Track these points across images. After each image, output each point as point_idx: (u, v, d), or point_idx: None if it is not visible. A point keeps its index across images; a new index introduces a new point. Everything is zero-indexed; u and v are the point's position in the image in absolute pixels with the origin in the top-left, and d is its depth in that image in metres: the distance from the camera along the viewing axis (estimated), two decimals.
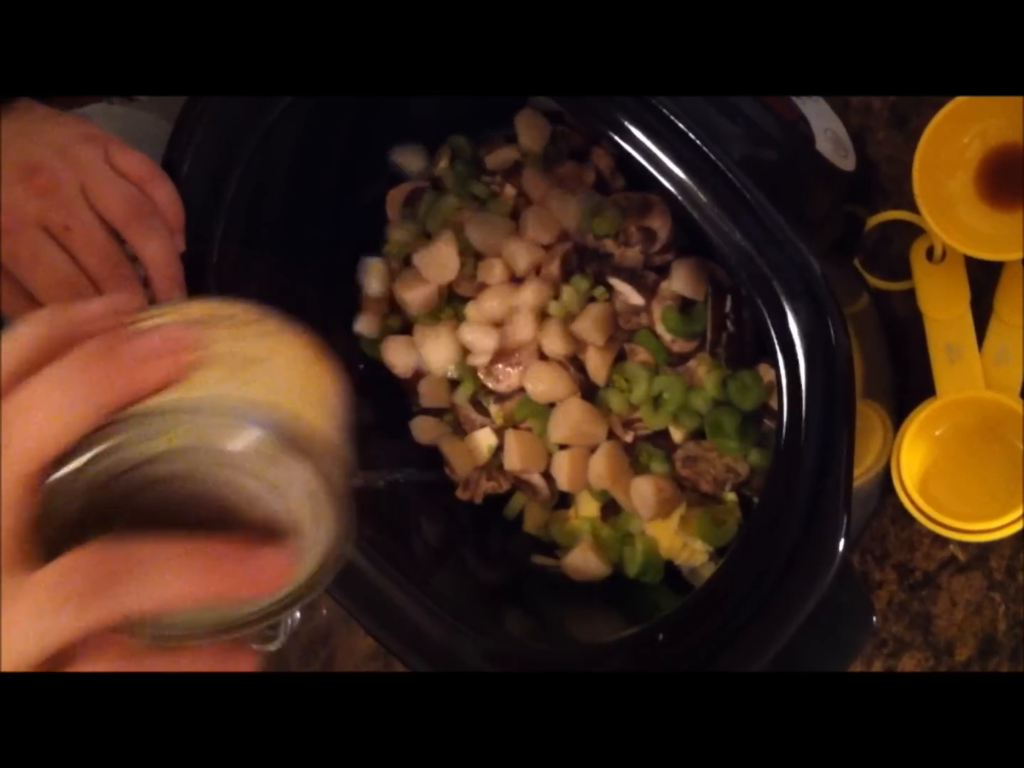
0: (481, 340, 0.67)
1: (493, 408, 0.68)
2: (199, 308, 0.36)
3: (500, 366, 0.67)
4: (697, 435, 0.63)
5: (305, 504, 0.34)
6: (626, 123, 0.48)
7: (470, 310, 0.67)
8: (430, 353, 0.69)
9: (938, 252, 0.59)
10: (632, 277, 0.62)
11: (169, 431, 0.32)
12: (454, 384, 0.70)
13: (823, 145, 0.57)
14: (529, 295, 0.64)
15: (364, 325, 0.73)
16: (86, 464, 0.31)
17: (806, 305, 0.47)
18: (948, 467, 0.59)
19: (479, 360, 0.67)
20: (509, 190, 0.67)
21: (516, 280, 0.67)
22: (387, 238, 0.72)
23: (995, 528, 0.56)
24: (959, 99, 0.54)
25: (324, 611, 0.79)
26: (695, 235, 0.50)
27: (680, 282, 0.60)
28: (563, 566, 0.66)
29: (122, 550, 0.31)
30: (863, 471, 0.56)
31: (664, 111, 0.48)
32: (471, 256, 0.68)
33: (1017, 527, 0.56)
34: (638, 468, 0.65)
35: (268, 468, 0.33)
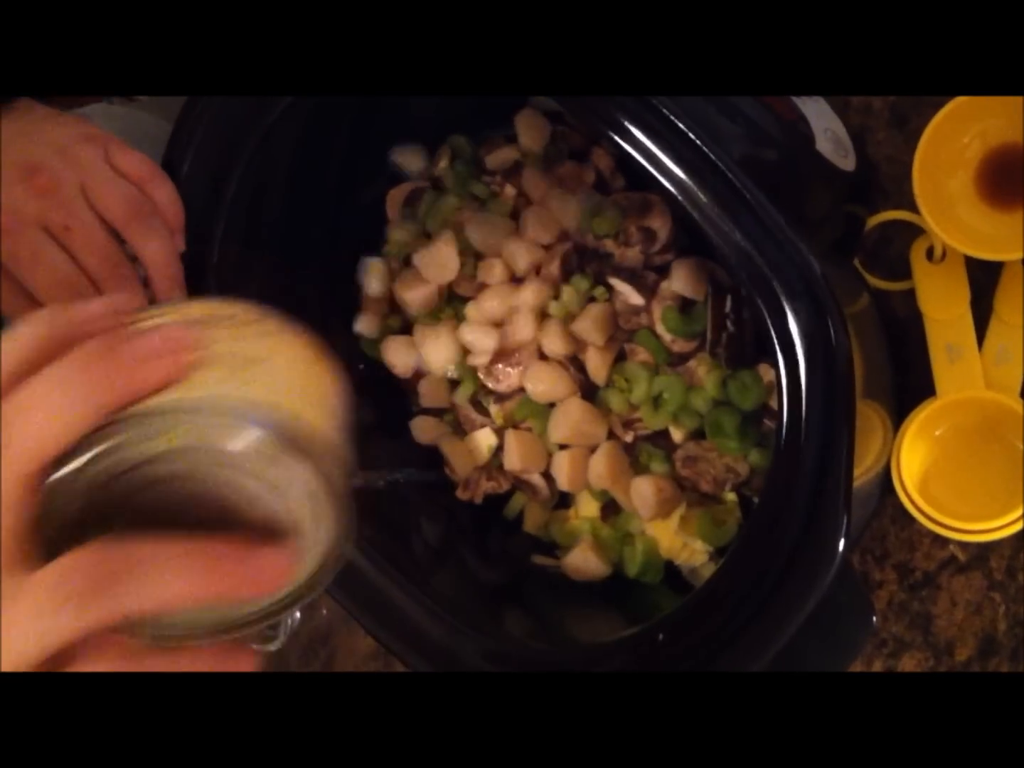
0: (481, 340, 0.67)
1: (493, 408, 0.68)
2: (199, 308, 0.36)
3: (500, 366, 0.67)
4: (697, 435, 0.63)
5: (305, 504, 0.34)
6: (626, 123, 0.48)
7: (470, 310, 0.67)
8: (430, 353, 0.69)
9: (938, 252, 0.59)
10: (632, 277, 0.62)
11: (169, 431, 0.32)
12: (454, 384, 0.70)
13: (823, 145, 0.57)
14: (529, 295, 0.64)
15: (364, 325, 0.73)
16: (86, 464, 0.31)
17: (806, 305, 0.47)
18: (948, 467, 0.59)
19: (479, 360, 0.67)
20: (509, 190, 0.67)
21: (516, 280, 0.67)
22: (387, 238, 0.72)
23: (995, 528, 0.56)
24: (959, 99, 0.54)
25: (324, 611, 0.79)
26: (695, 235, 0.50)
27: (680, 282, 0.60)
28: (563, 566, 0.66)
29: (122, 550, 0.31)
30: (863, 471, 0.56)
31: (664, 111, 0.48)
32: (471, 256, 0.68)
33: (1017, 527, 0.56)
34: (638, 468, 0.65)
35: (268, 468, 0.33)
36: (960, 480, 0.58)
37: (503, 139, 0.69)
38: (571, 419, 0.65)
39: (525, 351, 0.66)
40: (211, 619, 0.36)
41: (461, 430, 0.71)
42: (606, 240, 0.63)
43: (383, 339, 0.72)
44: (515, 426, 0.68)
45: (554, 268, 0.64)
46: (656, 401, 0.62)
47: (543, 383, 0.65)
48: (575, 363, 0.65)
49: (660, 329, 0.61)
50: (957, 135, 0.56)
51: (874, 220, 0.61)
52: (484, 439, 0.69)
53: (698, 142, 0.48)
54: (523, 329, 0.65)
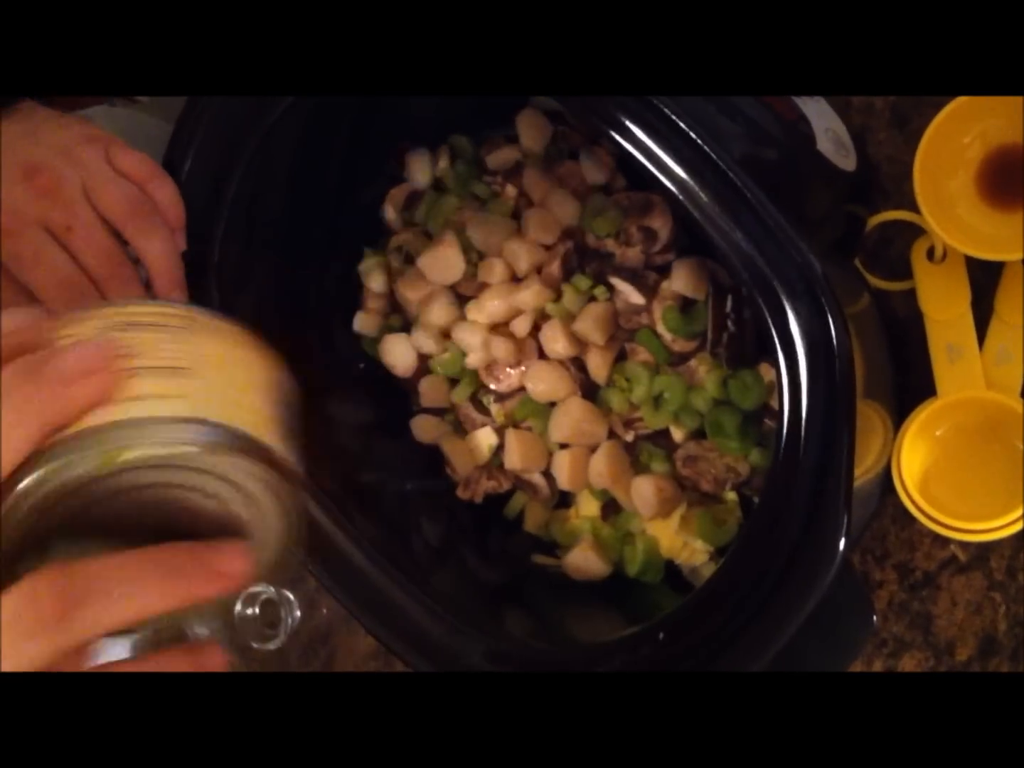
0: (481, 339, 0.67)
1: (494, 407, 0.68)
2: (121, 311, 0.35)
3: (501, 365, 0.67)
4: (698, 435, 0.63)
5: (249, 506, 0.35)
6: (627, 122, 0.48)
7: (471, 310, 0.67)
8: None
9: (939, 252, 0.59)
10: (633, 277, 0.62)
11: (108, 451, 0.32)
12: (455, 383, 0.70)
13: (824, 145, 0.57)
14: (530, 295, 0.64)
15: (364, 324, 0.73)
16: (27, 489, 0.31)
17: (807, 305, 0.47)
18: (949, 467, 0.59)
19: (479, 360, 0.68)
20: (510, 190, 0.67)
21: (517, 280, 0.67)
22: (388, 238, 0.72)
23: (995, 528, 0.56)
24: (960, 99, 0.54)
25: (324, 610, 0.79)
26: (696, 235, 0.50)
27: (681, 282, 0.60)
28: (563, 565, 0.66)
29: (80, 571, 0.31)
30: (864, 471, 0.56)
31: (665, 110, 0.48)
32: (472, 256, 0.68)
33: (1017, 527, 0.56)
34: (639, 467, 0.65)
35: (207, 477, 0.33)
36: (961, 480, 0.58)
37: (504, 139, 0.69)
38: (572, 418, 0.65)
39: (526, 350, 0.66)
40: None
41: (462, 429, 0.71)
42: (607, 240, 0.63)
43: (383, 338, 0.72)
44: (516, 425, 0.68)
45: (555, 268, 0.64)
46: (657, 401, 0.62)
47: (544, 382, 0.65)
48: (576, 362, 0.65)
49: (661, 329, 0.61)
50: (958, 135, 0.56)
51: (875, 220, 0.61)
52: (485, 438, 0.69)
53: (699, 141, 0.48)
54: (524, 329, 0.66)
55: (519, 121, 0.68)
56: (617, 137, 0.49)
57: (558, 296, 0.64)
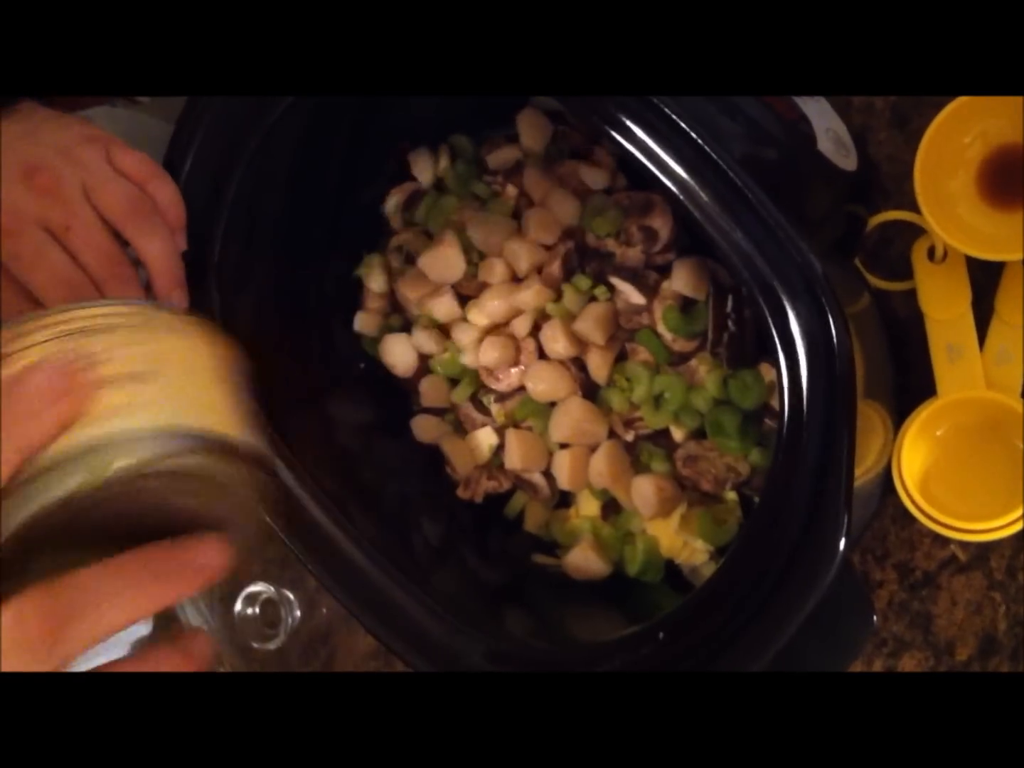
0: (473, 339, 0.67)
1: (494, 407, 0.68)
2: (76, 316, 0.34)
3: (500, 365, 0.67)
4: (698, 434, 0.63)
5: (225, 495, 0.35)
6: (627, 122, 0.48)
7: (471, 310, 0.67)
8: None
9: (939, 252, 0.59)
10: (633, 276, 0.62)
11: (89, 470, 0.32)
12: (455, 383, 0.70)
13: (824, 145, 0.57)
14: (530, 295, 0.64)
15: (364, 323, 0.73)
16: (8, 516, 0.31)
17: (807, 305, 0.47)
18: (949, 467, 0.59)
19: (472, 360, 0.68)
20: (511, 190, 0.67)
21: (517, 280, 0.67)
22: (388, 238, 0.72)
23: (996, 528, 0.56)
24: (960, 99, 0.54)
25: (324, 610, 0.80)
26: (696, 234, 0.50)
27: (681, 281, 0.60)
28: (564, 565, 0.66)
29: (64, 589, 0.31)
30: (864, 471, 0.56)
31: (665, 110, 0.48)
32: (473, 255, 0.68)
33: (1017, 527, 0.56)
34: (639, 467, 0.65)
35: (184, 476, 0.34)
36: (961, 480, 0.58)
37: (504, 139, 0.69)
38: (572, 418, 0.65)
39: (526, 350, 0.66)
40: None
41: (462, 429, 0.71)
42: (607, 239, 0.63)
43: (383, 338, 0.72)
44: (516, 425, 0.68)
45: (555, 268, 0.64)
46: (657, 400, 0.63)
47: (544, 382, 0.65)
48: (576, 362, 0.65)
49: (661, 328, 0.61)
50: (958, 135, 0.56)
51: (875, 220, 0.61)
52: (485, 438, 0.69)
53: (699, 141, 0.48)
54: (524, 329, 0.66)
55: (519, 121, 0.68)
56: (617, 137, 0.49)
57: (558, 296, 0.64)
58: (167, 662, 0.35)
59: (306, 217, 0.68)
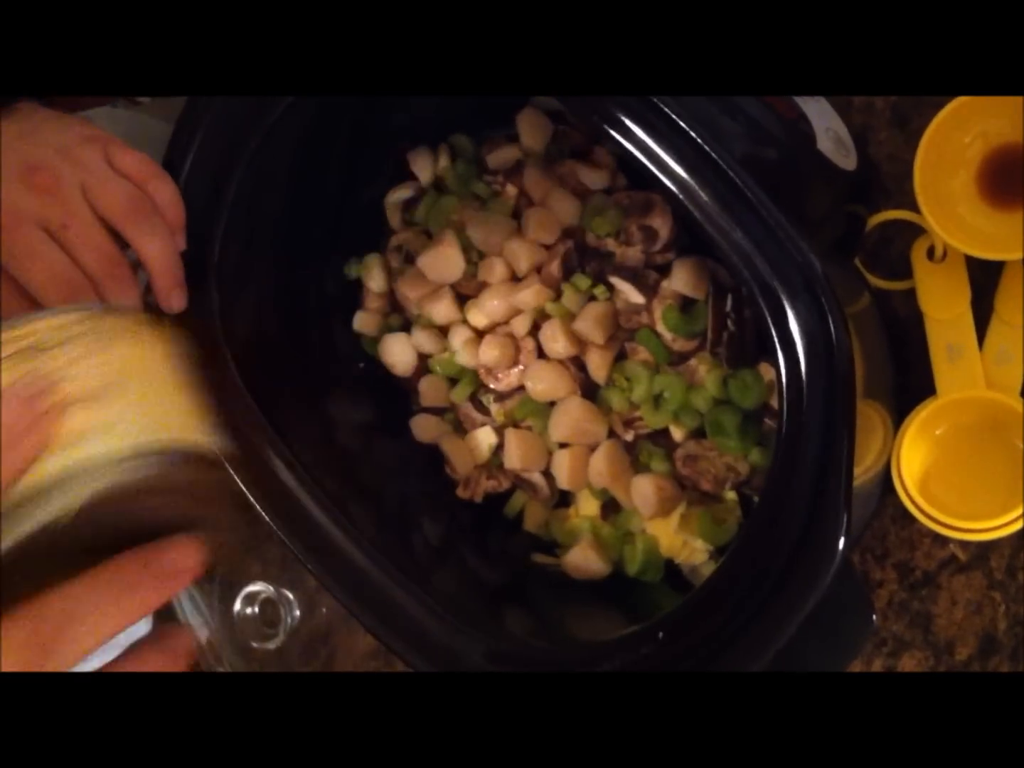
0: (464, 340, 0.67)
1: (494, 407, 0.68)
2: (25, 332, 0.33)
3: (498, 365, 0.67)
4: (698, 434, 0.63)
5: (195, 498, 0.35)
6: (627, 122, 0.48)
7: (470, 309, 0.67)
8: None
9: (939, 252, 0.59)
10: (633, 276, 0.62)
11: (58, 500, 0.31)
12: (454, 383, 0.70)
13: (824, 144, 0.57)
14: (530, 294, 0.64)
15: (364, 323, 0.73)
16: None
17: (807, 304, 0.47)
18: (948, 466, 0.59)
19: (465, 360, 0.68)
20: (511, 189, 0.67)
21: (517, 279, 0.67)
22: (388, 238, 0.72)
23: (995, 527, 0.56)
24: (960, 99, 0.54)
25: (324, 610, 0.80)
26: (696, 234, 0.50)
27: (681, 281, 0.60)
28: (563, 565, 0.66)
29: (45, 611, 0.31)
30: (863, 470, 0.56)
31: (665, 110, 0.48)
32: (473, 255, 0.68)
33: (1017, 526, 0.56)
34: (638, 467, 0.65)
35: (156, 491, 0.34)
36: (960, 479, 0.58)
37: (504, 138, 0.69)
38: (571, 418, 0.65)
39: (525, 350, 0.66)
40: None
41: (461, 429, 0.71)
42: (607, 239, 0.63)
43: (383, 338, 0.72)
44: (515, 425, 0.68)
45: (555, 267, 0.64)
46: (657, 400, 0.63)
47: (543, 382, 0.65)
48: (575, 362, 0.65)
49: (661, 328, 0.61)
50: (958, 135, 0.56)
51: (875, 219, 0.61)
52: (484, 438, 0.69)
53: (699, 141, 0.48)
54: (524, 328, 0.66)
55: (520, 120, 0.68)
56: (617, 136, 0.49)
57: (558, 295, 0.64)
58: (150, 661, 0.35)
59: (306, 217, 0.68)
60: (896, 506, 0.60)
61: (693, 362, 0.61)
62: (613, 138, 0.49)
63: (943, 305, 0.59)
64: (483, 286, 0.67)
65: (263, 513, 0.60)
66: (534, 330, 0.66)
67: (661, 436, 0.64)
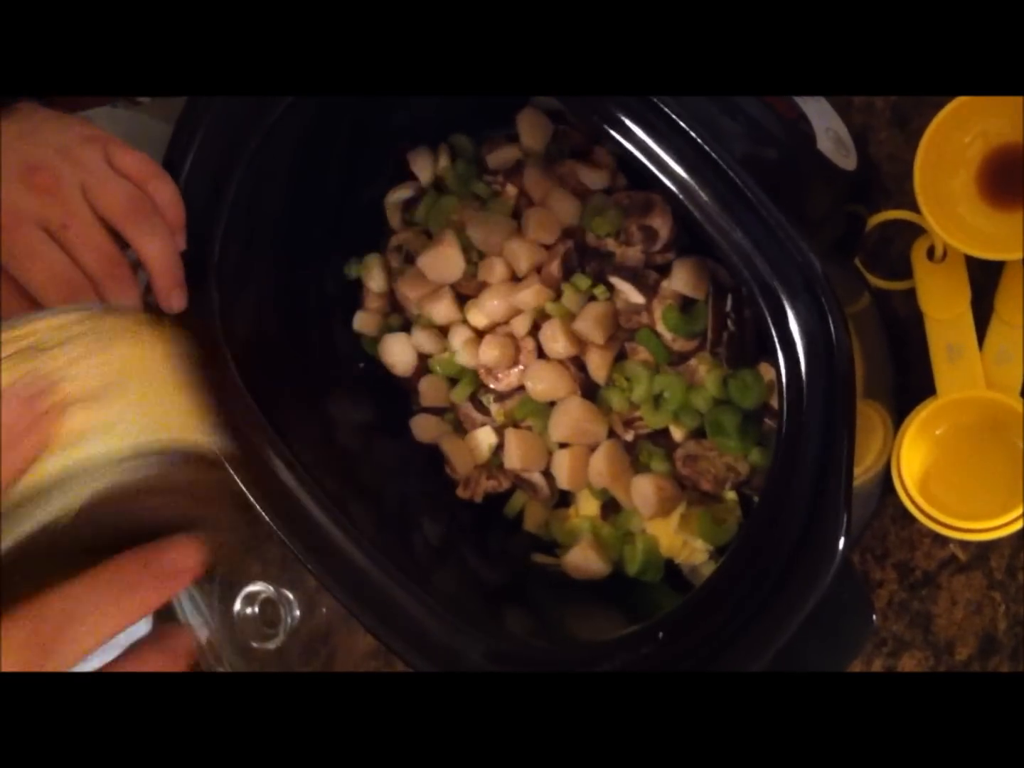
0: (464, 340, 0.67)
1: (494, 407, 0.68)
2: (25, 332, 0.33)
3: (500, 365, 0.67)
4: (698, 434, 0.63)
5: (194, 498, 0.35)
6: (628, 122, 0.48)
7: (470, 309, 0.67)
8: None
9: (939, 252, 0.59)
10: (633, 276, 0.62)
11: (58, 500, 0.31)
12: (454, 383, 0.70)
13: (824, 144, 0.57)
14: (530, 294, 0.64)
15: (364, 323, 0.73)
16: None
17: (807, 304, 0.47)
18: (948, 466, 0.59)
19: (465, 360, 0.68)
20: (511, 189, 0.67)
21: (517, 279, 0.67)
22: (388, 237, 0.72)
23: (995, 527, 0.56)
24: (960, 99, 0.54)
25: (324, 610, 0.80)
26: (696, 234, 0.50)
27: (681, 281, 0.60)
28: (563, 565, 0.66)
29: (45, 611, 0.31)
30: (863, 470, 0.56)
31: (665, 109, 0.48)
32: (473, 255, 0.68)
33: (1017, 526, 0.56)
34: (638, 467, 0.65)
35: (156, 491, 0.34)
36: (960, 479, 0.58)
37: (504, 138, 0.69)
38: (571, 418, 0.65)
39: (525, 350, 0.66)
40: None
41: (461, 429, 0.71)
42: (607, 239, 0.63)
43: (383, 338, 0.72)
44: (515, 425, 0.68)
45: (555, 267, 0.64)
46: (657, 400, 0.63)
47: (543, 382, 0.65)
48: (575, 362, 0.65)
49: (661, 328, 0.61)
50: (958, 135, 0.56)
51: (875, 219, 0.61)
52: (484, 438, 0.69)
53: (699, 141, 0.48)
54: (524, 328, 0.66)
55: (520, 120, 0.68)
56: (618, 136, 0.49)
57: (558, 295, 0.64)
58: (150, 662, 0.35)
59: (306, 217, 0.68)
60: (896, 506, 0.60)
61: (693, 362, 0.61)
62: (613, 138, 0.49)
63: (943, 305, 0.59)
64: (483, 286, 0.67)
65: (263, 513, 0.60)
66: (534, 330, 0.66)
67: (661, 436, 0.64)
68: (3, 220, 0.56)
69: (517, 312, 0.66)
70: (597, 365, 0.64)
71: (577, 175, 0.65)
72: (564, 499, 0.69)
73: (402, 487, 0.70)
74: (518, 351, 0.66)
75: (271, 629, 0.81)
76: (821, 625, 0.48)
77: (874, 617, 0.53)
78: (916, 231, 0.60)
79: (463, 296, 0.69)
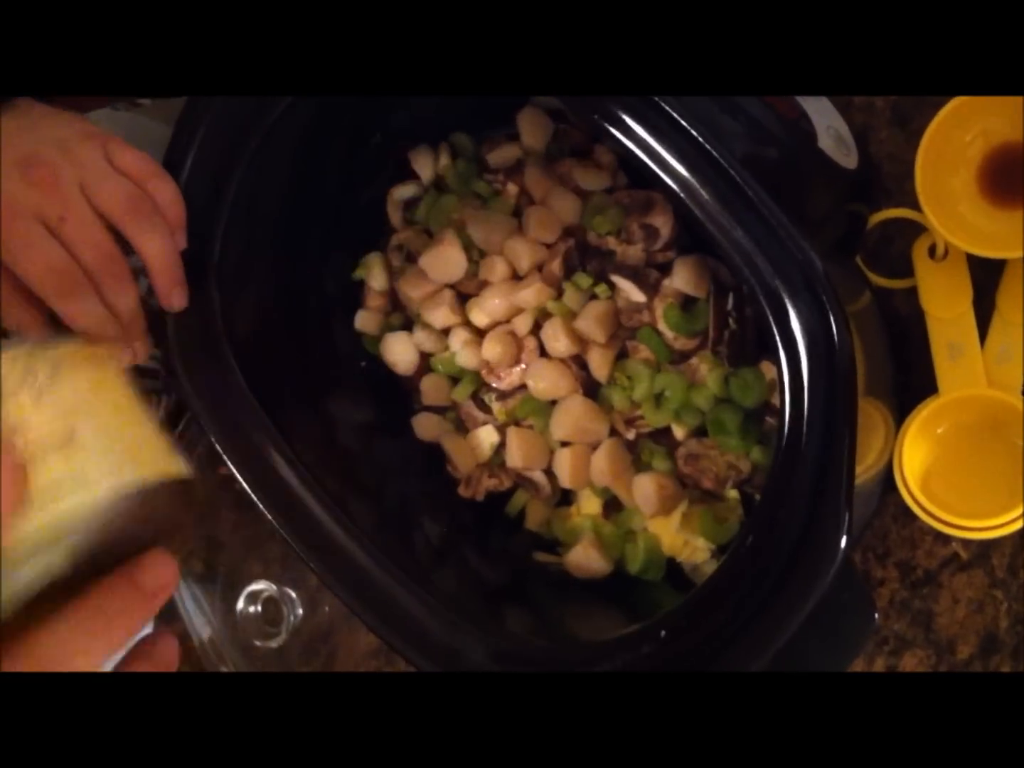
0: (463, 341, 0.67)
1: (495, 405, 0.68)
2: None
3: (502, 364, 0.67)
4: (699, 432, 0.63)
5: (162, 516, 0.35)
6: (628, 121, 0.48)
7: (472, 308, 0.67)
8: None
9: (940, 250, 0.59)
10: (634, 275, 0.62)
11: (43, 557, 0.32)
12: (456, 381, 0.70)
13: (825, 143, 0.57)
14: (531, 293, 0.64)
15: (365, 322, 0.73)
16: None
17: (808, 303, 0.47)
18: (950, 465, 0.59)
19: (466, 361, 0.68)
20: (511, 188, 0.67)
21: (518, 278, 0.67)
22: (388, 236, 0.72)
23: (997, 526, 0.56)
24: (960, 99, 0.54)
25: (326, 608, 0.80)
26: (697, 233, 0.50)
27: (682, 279, 0.60)
28: (565, 563, 0.66)
29: (34, 651, 0.32)
30: (865, 469, 0.56)
31: (666, 108, 0.48)
32: (474, 254, 0.68)
33: (1019, 525, 0.56)
34: (640, 465, 0.65)
35: (127, 518, 0.34)
36: (962, 478, 0.58)
37: (505, 137, 0.69)
38: (573, 416, 0.65)
39: (527, 348, 0.66)
40: None
41: (463, 427, 0.71)
42: (608, 238, 0.63)
43: (384, 337, 0.72)
44: (517, 423, 0.68)
45: (556, 266, 0.64)
46: (658, 399, 0.63)
47: (545, 380, 0.65)
48: (577, 360, 0.65)
49: (662, 326, 0.61)
50: (959, 134, 0.56)
51: (876, 218, 0.61)
52: (486, 436, 0.69)
53: (700, 140, 0.48)
54: (525, 327, 0.66)
55: (520, 119, 0.68)
56: (618, 135, 0.49)
57: (559, 294, 0.64)
58: (133, 667, 0.35)
59: (306, 217, 0.68)
60: (897, 504, 0.60)
61: (694, 361, 0.61)
62: (614, 137, 0.49)
63: (944, 304, 0.59)
64: (484, 285, 0.67)
65: (265, 512, 0.60)
66: (535, 329, 0.66)
67: (662, 435, 0.64)
68: (1, 213, 0.56)
69: (518, 311, 0.66)
70: (598, 364, 0.64)
71: (576, 178, 0.65)
72: (566, 498, 0.69)
73: (403, 486, 0.70)
74: (520, 350, 0.66)
75: (273, 628, 0.81)
76: (822, 624, 0.48)
77: (876, 616, 0.53)
78: (917, 230, 0.60)
79: (464, 295, 0.69)
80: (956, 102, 0.54)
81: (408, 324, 0.72)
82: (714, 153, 0.48)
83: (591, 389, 0.65)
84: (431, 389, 0.71)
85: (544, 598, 0.65)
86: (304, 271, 0.70)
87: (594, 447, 0.65)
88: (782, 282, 0.47)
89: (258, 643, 0.81)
